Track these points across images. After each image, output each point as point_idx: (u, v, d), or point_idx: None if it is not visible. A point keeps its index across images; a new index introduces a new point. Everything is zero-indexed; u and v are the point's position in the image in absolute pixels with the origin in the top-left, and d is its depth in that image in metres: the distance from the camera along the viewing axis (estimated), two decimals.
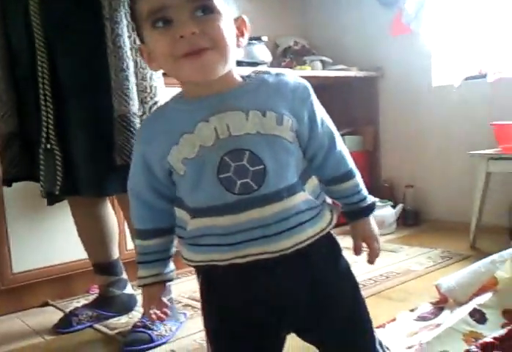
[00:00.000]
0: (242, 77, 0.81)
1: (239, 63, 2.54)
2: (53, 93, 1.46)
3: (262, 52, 2.67)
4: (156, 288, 0.87)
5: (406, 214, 2.93)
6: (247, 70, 0.84)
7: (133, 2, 0.77)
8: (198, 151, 0.75)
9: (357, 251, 0.90)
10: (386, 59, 3.06)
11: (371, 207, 0.90)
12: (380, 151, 3.21)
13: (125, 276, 1.79)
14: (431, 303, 1.61)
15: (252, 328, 0.81)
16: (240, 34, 0.80)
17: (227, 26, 0.75)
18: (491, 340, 1.17)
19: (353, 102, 3.22)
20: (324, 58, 3.02)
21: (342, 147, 0.87)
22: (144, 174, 0.82)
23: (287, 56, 3.01)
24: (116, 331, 1.61)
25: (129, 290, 1.79)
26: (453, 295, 1.56)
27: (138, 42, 0.81)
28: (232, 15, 0.78)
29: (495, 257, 1.55)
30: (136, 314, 1.72)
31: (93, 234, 1.72)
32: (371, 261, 0.91)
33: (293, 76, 0.82)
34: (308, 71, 2.78)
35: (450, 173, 2.86)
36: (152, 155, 0.79)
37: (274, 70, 0.83)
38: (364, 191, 0.90)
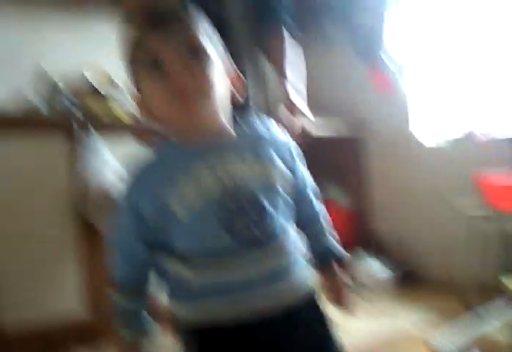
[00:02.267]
0: (234, 125, 0.83)
1: None
2: None
3: None
4: (139, 344, 0.84)
5: (399, 272, 2.87)
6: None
7: (127, 51, 0.80)
8: (202, 197, 0.76)
9: (335, 295, 0.91)
10: (373, 119, 3.13)
11: (342, 252, 0.94)
12: (369, 206, 3.21)
13: None
14: None
15: None
16: (236, 89, 0.83)
17: (218, 78, 0.77)
18: None
19: (339, 157, 3.25)
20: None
21: (314, 193, 0.93)
22: (135, 226, 0.80)
23: None
24: None
25: None
26: None
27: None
28: (226, 68, 0.81)
29: (487, 316, 1.51)
30: None
31: None
32: (345, 304, 0.91)
33: (277, 127, 0.88)
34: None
35: (441, 230, 2.85)
36: (146, 203, 0.78)
37: (259, 118, 0.87)
38: (334, 236, 0.93)
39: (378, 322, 2.15)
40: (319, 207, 0.93)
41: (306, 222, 0.90)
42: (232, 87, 0.82)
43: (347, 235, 2.90)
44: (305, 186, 0.90)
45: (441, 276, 2.80)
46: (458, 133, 2.63)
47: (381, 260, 2.83)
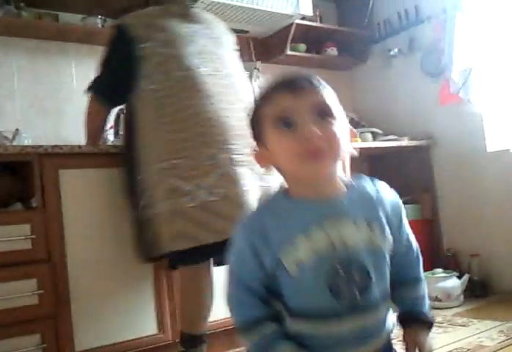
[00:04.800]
0: (344, 183, 0.86)
1: None
2: None
3: None
4: None
5: (474, 285, 2.78)
6: None
7: (258, 107, 0.86)
8: (312, 256, 0.79)
9: None
10: (438, 126, 3.07)
11: (432, 319, 0.93)
12: (440, 219, 3.12)
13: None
14: None
15: None
16: (349, 144, 0.87)
17: (341, 131, 0.82)
18: None
19: (407, 170, 3.20)
20: (374, 129, 3.07)
21: (418, 254, 0.92)
22: (253, 262, 0.83)
23: None
24: None
25: None
26: None
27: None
28: (344, 122, 0.85)
29: None
30: None
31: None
32: None
33: (385, 186, 0.90)
34: (359, 143, 2.82)
35: None
36: (264, 249, 0.82)
37: (369, 178, 0.90)
38: (428, 303, 0.93)
39: (453, 335, 2.08)
40: (421, 270, 0.93)
41: (405, 285, 0.91)
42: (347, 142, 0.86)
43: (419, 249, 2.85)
44: (409, 249, 0.91)
45: None
46: None
47: (454, 274, 2.74)
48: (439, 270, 2.76)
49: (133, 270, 1.94)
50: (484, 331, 2.15)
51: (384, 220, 0.84)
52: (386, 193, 0.88)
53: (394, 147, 2.97)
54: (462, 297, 2.70)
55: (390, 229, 0.85)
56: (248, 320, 0.84)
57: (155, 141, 1.70)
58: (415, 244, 0.92)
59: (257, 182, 1.73)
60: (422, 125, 3.13)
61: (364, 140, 2.93)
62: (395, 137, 3.00)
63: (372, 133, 3.02)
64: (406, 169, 3.21)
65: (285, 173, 0.85)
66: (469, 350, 1.92)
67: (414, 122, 3.17)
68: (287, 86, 0.82)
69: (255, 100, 0.88)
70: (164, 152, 1.68)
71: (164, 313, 1.99)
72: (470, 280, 2.76)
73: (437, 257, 3.02)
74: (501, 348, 1.91)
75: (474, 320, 2.33)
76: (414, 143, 3.02)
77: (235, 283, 0.86)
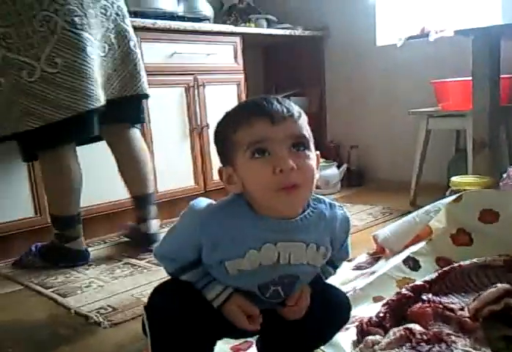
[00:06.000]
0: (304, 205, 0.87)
1: (180, 18, 2.45)
2: None
3: (204, 7, 2.59)
4: (233, 299, 0.86)
5: (351, 174, 2.98)
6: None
7: (232, 131, 0.81)
8: (256, 266, 0.83)
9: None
10: (332, 18, 3.04)
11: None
12: (326, 112, 3.22)
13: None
14: (368, 253, 1.64)
15: None
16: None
17: (314, 164, 0.82)
18: (422, 283, 1.20)
19: (299, 62, 3.20)
20: (269, 16, 2.97)
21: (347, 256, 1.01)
22: (190, 252, 0.85)
23: (232, 14, 2.94)
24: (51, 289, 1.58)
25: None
26: (389, 245, 1.59)
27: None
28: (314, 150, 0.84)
29: (429, 207, 1.59)
30: (74, 273, 1.70)
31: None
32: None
33: (341, 208, 0.94)
34: (253, 29, 2.72)
35: (392, 132, 2.91)
36: (208, 250, 0.83)
37: (327, 200, 0.92)
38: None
39: None
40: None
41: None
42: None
43: None
44: (345, 254, 0.98)
45: (392, 176, 2.91)
46: (413, 31, 2.60)
47: (333, 163, 2.90)
48: (321, 159, 2.88)
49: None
50: (355, 213, 2.34)
51: (328, 243, 0.89)
52: (339, 218, 0.91)
53: (288, 36, 2.91)
54: (339, 185, 2.88)
55: (333, 247, 0.91)
56: (182, 265, 0.86)
57: None
58: (350, 251, 0.99)
59: (99, 50, 1.64)
60: (317, 15, 3.08)
61: (258, 26, 2.83)
62: (290, 26, 2.93)
63: (267, 20, 2.93)
64: (299, 61, 3.19)
65: (255, 197, 0.83)
66: None
67: (309, 11, 3.11)
68: (266, 113, 0.79)
69: (227, 121, 0.84)
70: None
71: (41, 195, 1.91)
72: (348, 170, 2.94)
73: (320, 148, 3.13)
74: (367, 227, 2.09)
75: (348, 205, 2.51)
76: (307, 33, 2.98)
77: (165, 260, 0.89)
